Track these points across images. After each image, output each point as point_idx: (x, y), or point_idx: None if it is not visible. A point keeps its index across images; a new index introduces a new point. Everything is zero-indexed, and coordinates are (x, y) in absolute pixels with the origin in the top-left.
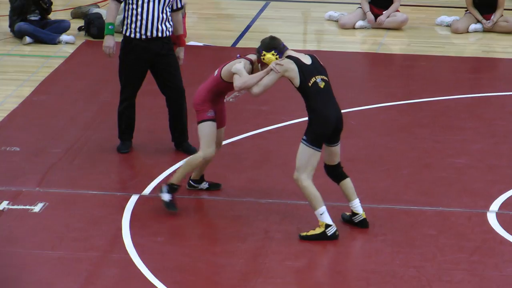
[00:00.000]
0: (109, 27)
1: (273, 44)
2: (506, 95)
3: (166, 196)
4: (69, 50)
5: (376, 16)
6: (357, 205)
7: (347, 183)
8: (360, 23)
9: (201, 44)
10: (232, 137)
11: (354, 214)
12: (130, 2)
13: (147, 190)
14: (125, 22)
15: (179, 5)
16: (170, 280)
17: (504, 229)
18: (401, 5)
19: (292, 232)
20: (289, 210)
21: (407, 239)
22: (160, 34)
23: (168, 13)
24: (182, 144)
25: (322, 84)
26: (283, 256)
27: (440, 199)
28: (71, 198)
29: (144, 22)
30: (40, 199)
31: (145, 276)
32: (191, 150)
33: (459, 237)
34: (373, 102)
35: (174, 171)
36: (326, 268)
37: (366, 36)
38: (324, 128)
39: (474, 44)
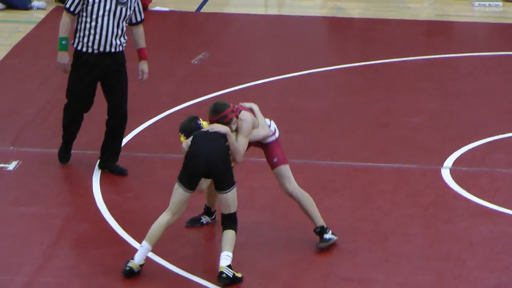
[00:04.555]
0: (63, 42)
1: (183, 127)
2: (459, 57)
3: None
4: (41, 15)
5: None
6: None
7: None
8: None
9: (166, 9)
10: (198, 98)
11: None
12: (84, 15)
13: None
14: (77, 35)
15: (138, 19)
16: (138, 235)
17: (458, 185)
18: None
19: (255, 188)
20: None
21: (365, 194)
22: (113, 50)
23: (124, 28)
24: (110, 164)
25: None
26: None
27: (396, 157)
28: (44, 157)
29: (97, 36)
30: (14, 157)
31: (114, 230)
32: (119, 171)
33: (415, 192)
34: (332, 64)
35: None
36: (287, 218)
37: (325, 1)
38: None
39: (429, 8)
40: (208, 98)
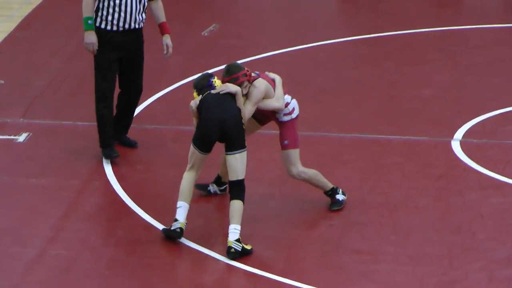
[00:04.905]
0: (88, 22)
1: (195, 83)
2: (470, 28)
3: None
4: None
5: None
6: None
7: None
8: None
9: None
10: (208, 70)
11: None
12: None
13: None
14: (99, 14)
15: None
16: (148, 207)
17: (468, 157)
18: None
19: (265, 160)
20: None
21: (375, 167)
22: (137, 26)
23: (145, 3)
24: (120, 137)
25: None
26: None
27: (406, 129)
28: (54, 129)
29: (122, 14)
30: (24, 129)
31: (125, 202)
32: (129, 143)
33: (425, 164)
34: (341, 36)
35: None
36: (296, 191)
37: None
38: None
39: None
40: (218, 70)
